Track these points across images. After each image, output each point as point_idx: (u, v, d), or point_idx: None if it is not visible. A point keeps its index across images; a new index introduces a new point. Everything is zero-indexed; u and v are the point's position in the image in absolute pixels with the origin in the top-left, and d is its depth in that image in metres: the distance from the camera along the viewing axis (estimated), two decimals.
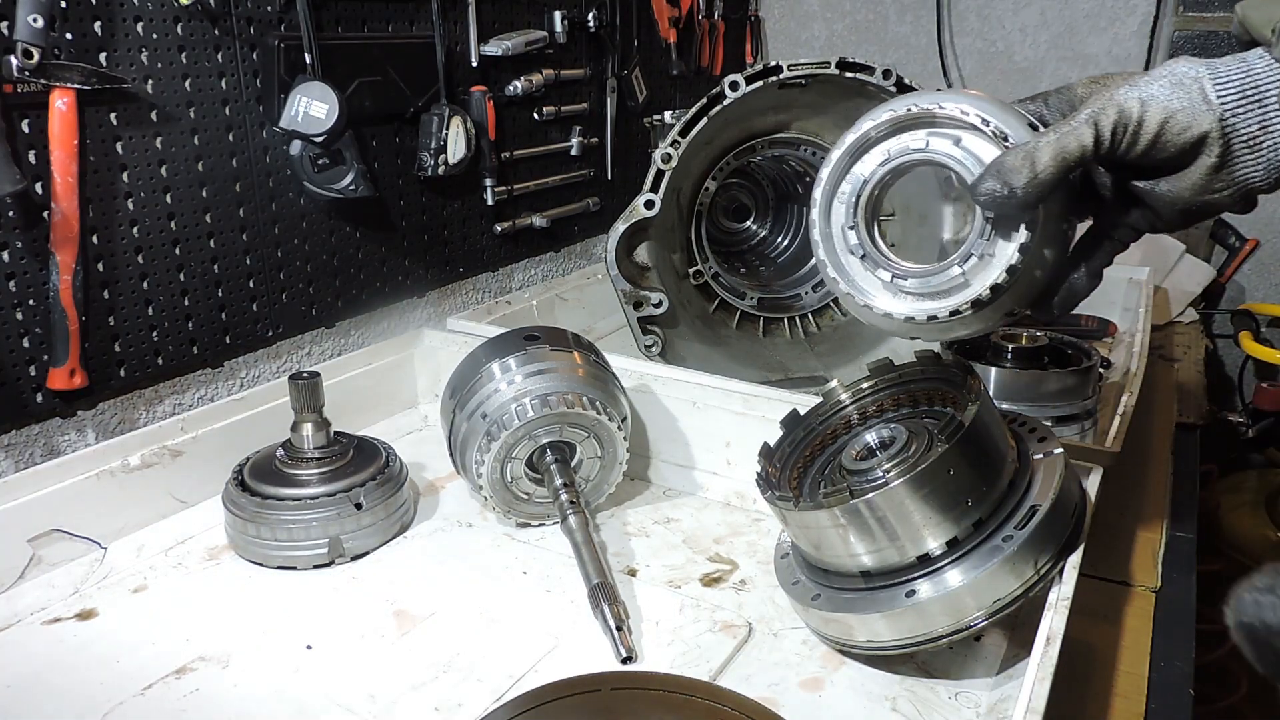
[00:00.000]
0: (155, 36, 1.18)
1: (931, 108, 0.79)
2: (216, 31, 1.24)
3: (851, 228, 0.84)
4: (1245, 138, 0.70)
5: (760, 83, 1.37)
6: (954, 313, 0.79)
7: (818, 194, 0.85)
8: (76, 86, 1.08)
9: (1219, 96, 0.69)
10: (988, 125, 0.76)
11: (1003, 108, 0.79)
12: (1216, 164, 0.71)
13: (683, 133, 1.38)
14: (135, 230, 1.20)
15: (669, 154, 1.39)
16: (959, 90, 0.81)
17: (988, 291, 0.77)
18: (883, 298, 0.83)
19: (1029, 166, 0.72)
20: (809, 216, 0.87)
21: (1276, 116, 0.69)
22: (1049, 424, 1.01)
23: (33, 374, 1.13)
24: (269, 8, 1.30)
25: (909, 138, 0.81)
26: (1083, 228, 0.85)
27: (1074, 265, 0.82)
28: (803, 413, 1.02)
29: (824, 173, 0.85)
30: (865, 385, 1.00)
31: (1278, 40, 0.70)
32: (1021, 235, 0.75)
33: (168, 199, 1.23)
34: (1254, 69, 0.69)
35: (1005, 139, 0.75)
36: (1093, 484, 0.98)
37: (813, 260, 1.18)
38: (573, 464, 1.14)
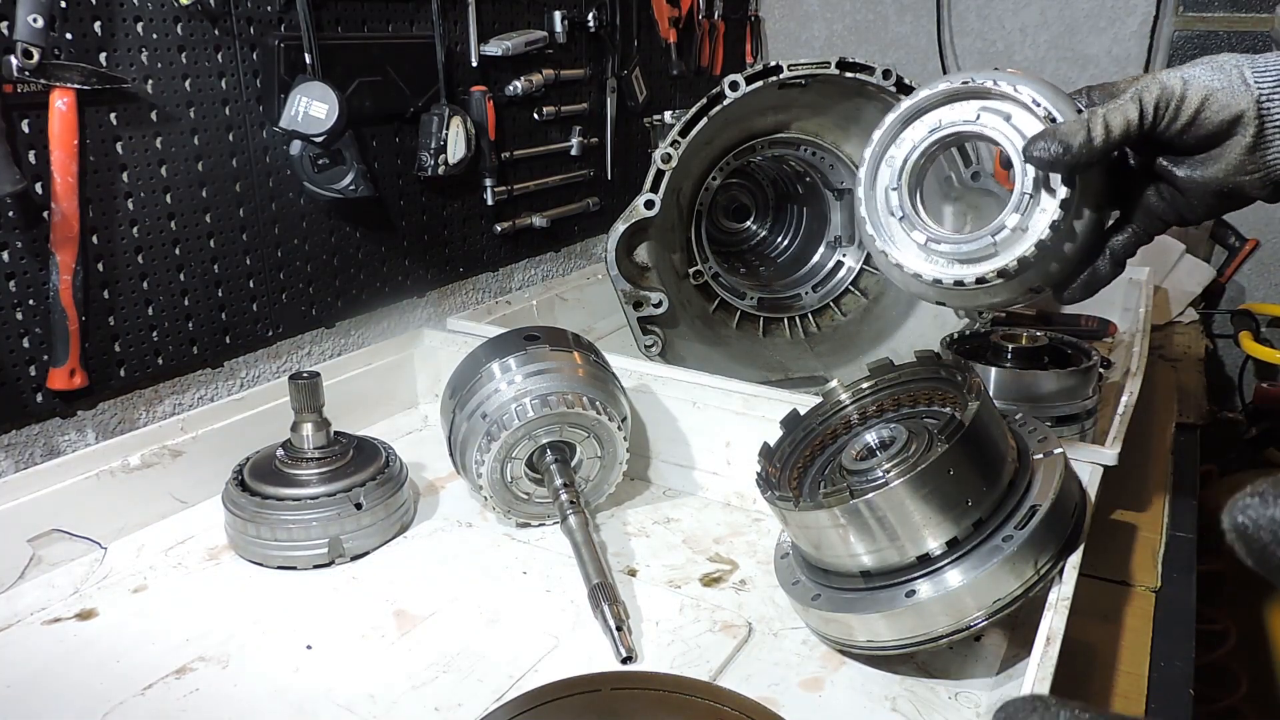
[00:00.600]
0: (155, 36, 1.18)
1: (986, 83, 0.81)
2: (216, 31, 1.24)
3: (894, 190, 0.87)
4: (1277, 124, 0.73)
5: (760, 83, 1.37)
6: (980, 280, 0.83)
7: (867, 154, 0.88)
8: (76, 86, 1.08)
9: (1256, 81, 0.73)
10: (1039, 106, 0.78)
11: (1055, 92, 0.82)
12: (1251, 144, 0.73)
13: (683, 133, 1.38)
14: (135, 230, 1.20)
15: (669, 154, 1.39)
16: (1014, 70, 0.84)
17: (1015, 263, 0.80)
18: (915, 259, 0.87)
19: (1084, 132, 0.75)
20: (856, 174, 0.89)
21: None
22: (1049, 424, 1.01)
23: (33, 374, 1.13)
24: (269, 8, 1.30)
25: (961, 109, 0.83)
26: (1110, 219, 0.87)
27: (1098, 251, 0.85)
28: (803, 413, 1.02)
29: (875, 135, 0.88)
30: (865, 385, 1.01)
31: None
32: (1054, 213, 0.78)
33: (168, 199, 1.23)
34: None
35: (1053, 121, 0.78)
36: (1093, 484, 0.98)
37: (813, 260, 1.20)
38: (573, 464, 1.14)
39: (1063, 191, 0.78)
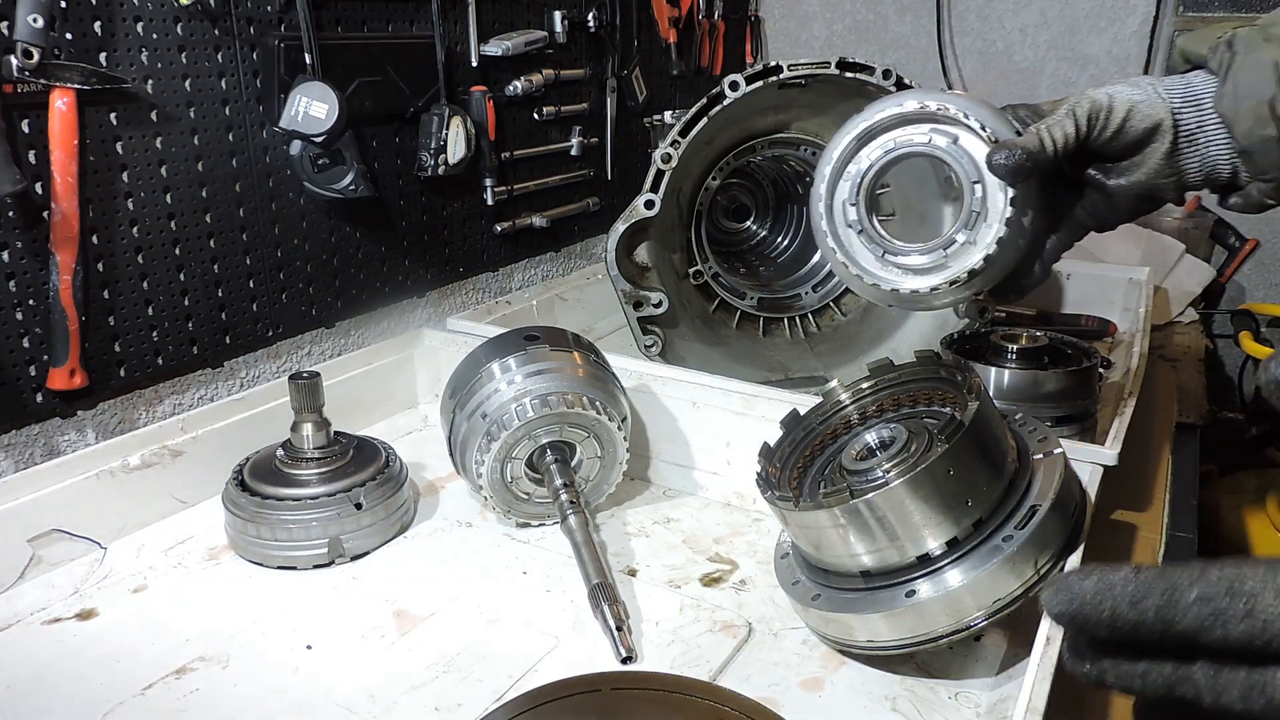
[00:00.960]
0: (155, 36, 1.18)
1: (935, 108, 0.89)
2: (216, 31, 1.24)
3: (853, 205, 0.93)
4: (1186, 133, 0.84)
5: (760, 83, 1.37)
6: (933, 289, 0.90)
7: (826, 170, 0.94)
8: (76, 86, 1.08)
9: (1168, 95, 0.84)
10: (985, 129, 0.86)
11: (996, 113, 0.90)
12: (1169, 150, 0.84)
13: (683, 133, 1.38)
14: (135, 230, 1.20)
15: (669, 154, 1.39)
16: (958, 92, 0.91)
17: (965, 274, 0.88)
18: (872, 269, 0.94)
19: (1036, 143, 0.83)
20: (815, 189, 0.95)
21: (1210, 118, 0.83)
22: (1049, 424, 1.01)
23: (33, 374, 1.13)
24: (269, 8, 1.30)
25: (913, 130, 0.89)
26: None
27: (1034, 259, 0.94)
28: (803, 413, 1.02)
29: (833, 153, 0.93)
30: (865, 385, 1.00)
31: (1211, 53, 0.84)
32: (999, 229, 0.85)
33: (168, 199, 1.23)
34: (1192, 83, 0.85)
35: (996, 142, 0.85)
36: (1093, 484, 0.98)
37: (813, 260, 1.22)
38: (573, 464, 1.14)
39: (1007, 209, 0.85)
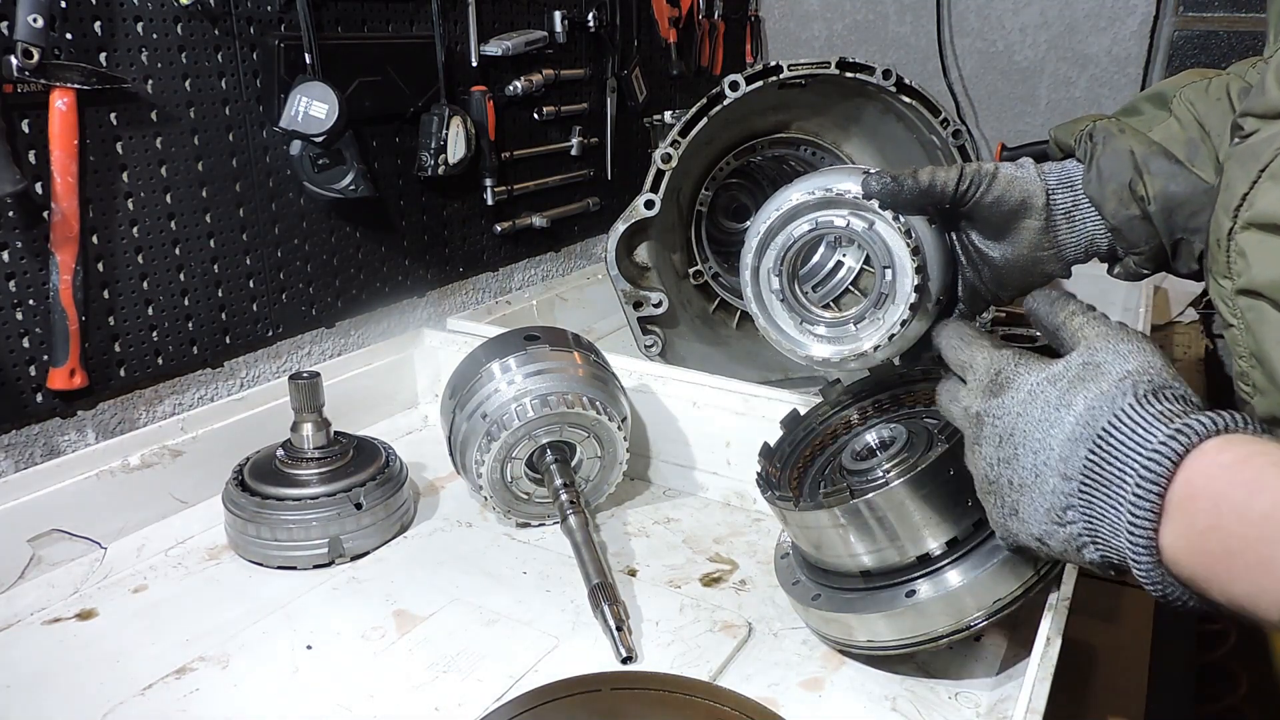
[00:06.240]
0: (155, 36, 1.18)
1: (854, 194, 0.97)
2: (216, 31, 1.24)
3: (778, 275, 1.00)
4: (1062, 211, 0.92)
5: (760, 83, 1.37)
6: (841, 358, 0.98)
7: (754, 242, 1.01)
8: (76, 86, 1.08)
9: (1044, 178, 0.92)
10: (898, 220, 0.92)
11: None
12: (1042, 226, 0.92)
13: (683, 133, 1.38)
14: (135, 230, 1.20)
15: (669, 154, 1.39)
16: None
17: (871, 348, 0.94)
18: (792, 334, 1.01)
19: (911, 179, 0.91)
20: (742, 257, 1.02)
21: (1083, 199, 0.91)
22: None
23: (33, 374, 1.13)
24: (269, 8, 1.30)
25: (833, 213, 0.96)
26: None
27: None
28: (803, 413, 1.02)
29: (760, 226, 1.00)
30: (865, 385, 1.01)
31: (1077, 144, 0.92)
32: (904, 312, 0.92)
33: (168, 199, 1.23)
34: (1067, 168, 0.93)
35: (909, 233, 0.92)
36: None
37: (812, 260, 1.27)
38: (573, 464, 1.14)
39: (912, 295, 0.91)
